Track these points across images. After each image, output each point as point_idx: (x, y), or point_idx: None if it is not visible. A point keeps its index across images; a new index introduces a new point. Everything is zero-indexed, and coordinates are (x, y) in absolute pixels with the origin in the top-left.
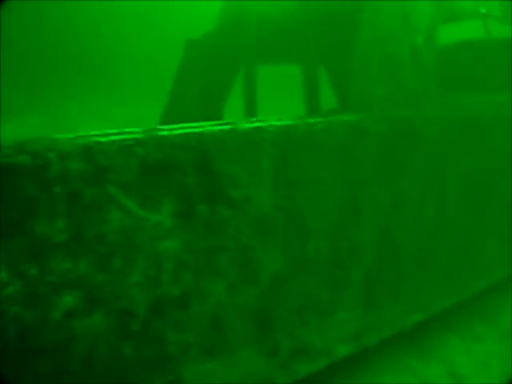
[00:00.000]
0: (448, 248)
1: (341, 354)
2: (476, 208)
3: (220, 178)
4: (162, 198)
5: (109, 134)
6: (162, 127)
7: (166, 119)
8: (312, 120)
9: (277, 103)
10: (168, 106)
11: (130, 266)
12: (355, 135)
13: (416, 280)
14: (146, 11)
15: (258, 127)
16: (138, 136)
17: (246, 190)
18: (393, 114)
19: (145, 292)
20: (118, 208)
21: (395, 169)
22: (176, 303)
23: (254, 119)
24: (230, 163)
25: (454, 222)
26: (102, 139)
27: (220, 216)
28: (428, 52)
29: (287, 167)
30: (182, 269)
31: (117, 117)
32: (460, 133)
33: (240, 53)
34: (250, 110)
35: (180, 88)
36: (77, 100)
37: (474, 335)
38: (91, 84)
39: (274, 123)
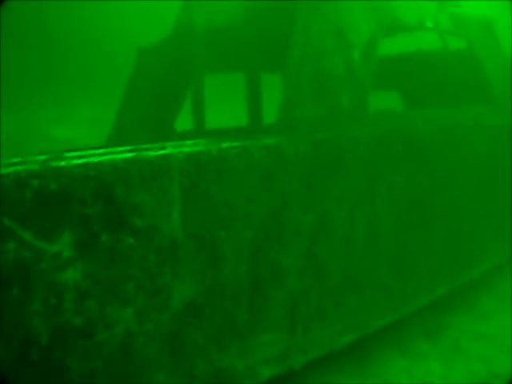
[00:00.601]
0: (383, 267)
1: (266, 375)
2: (412, 226)
3: (123, 207)
4: (60, 228)
5: (5, 165)
6: (63, 155)
7: (118, 131)
8: (226, 144)
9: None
10: (119, 116)
11: (29, 295)
12: (274, 159)
13: (348, 300)
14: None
15: (166, 155)
16: (33, 167)
17: (153, 218)
18: (317, 135)
19: (45, 321)
20: (14, 240)
21: (320, 191)
22: (79, 332)
23: (165, 144)
24: (134, 192)
25: (387, 240)
26: None
27: (125, 245)
28: (365, 68)
29: (199, 194)
30: (85, 298)
31: None
32: (394, 150)
33: (191, 62)
34: (199, 118)
35: (132, 98)
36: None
37: (416, 352)
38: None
39: (183, 150)
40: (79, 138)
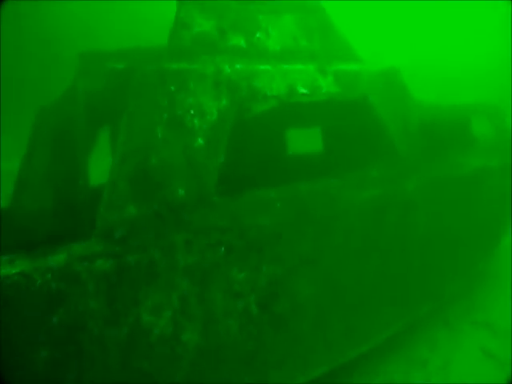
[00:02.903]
0: (226, 364)
1: None
2: (267, 318)
3: None
4: None
5: None
6: None
7: (19, 193)
8: (2, 271)
9: None
10: (21, 176)
11: None
12: (63, 281)
13: None
14: None
15: None
16: None
17: None
18: (118, 247)
19: None
20: None
21: (130, 303)
22: None
23: None
24: None
25: (231, 339)
26: None
27: None
28: (211, 154)
29: None
30: None
31: None
32: (227, 249)
33: (75, 121)
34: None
35: (33, 154)
36: None
37: None
38: None
39: None
40: None
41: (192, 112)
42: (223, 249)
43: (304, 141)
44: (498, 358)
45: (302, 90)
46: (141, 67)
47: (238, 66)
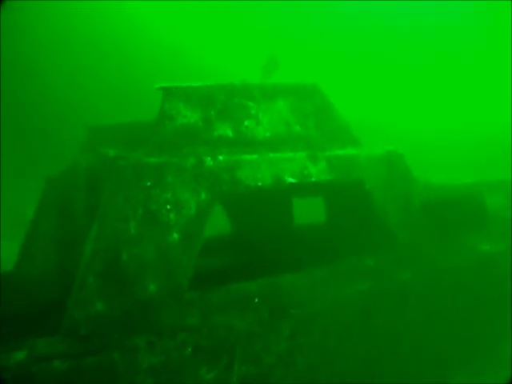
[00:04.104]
0: None
1: None
2: None
3: None
4: None
5: None
6: None
7: (24, 258)
8: None
9: None
10: (26, 243)
11: None
12: (22, 382)
13: None
14: None
15: None
16: None
17: None
18: (80, 348)
19: None
20: None
21: None
22: None
23: None
24: None
25: None
26: None
27: None
28: (186, 248)
29: None
30: None
31: None
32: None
33: (79, 195)
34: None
35: (40, 222)
36: None
37: None
38: None
39: None
40: None
41: (168, 207)
42: (190, 349)
43: None
44: None
45: (290, 179)
46: (116, 162)
47: (220, 158)
